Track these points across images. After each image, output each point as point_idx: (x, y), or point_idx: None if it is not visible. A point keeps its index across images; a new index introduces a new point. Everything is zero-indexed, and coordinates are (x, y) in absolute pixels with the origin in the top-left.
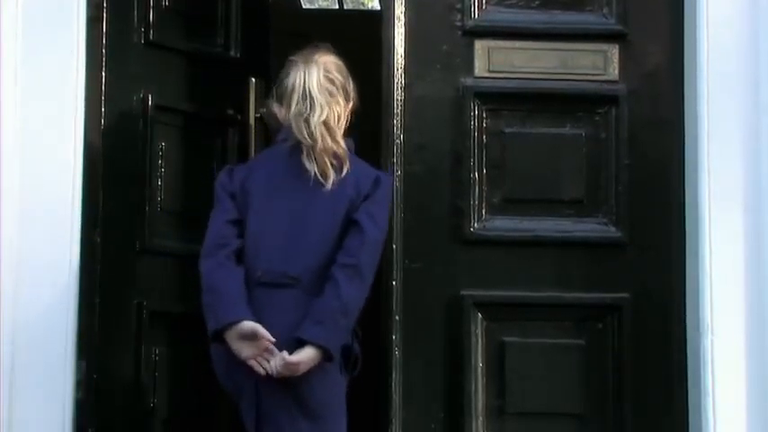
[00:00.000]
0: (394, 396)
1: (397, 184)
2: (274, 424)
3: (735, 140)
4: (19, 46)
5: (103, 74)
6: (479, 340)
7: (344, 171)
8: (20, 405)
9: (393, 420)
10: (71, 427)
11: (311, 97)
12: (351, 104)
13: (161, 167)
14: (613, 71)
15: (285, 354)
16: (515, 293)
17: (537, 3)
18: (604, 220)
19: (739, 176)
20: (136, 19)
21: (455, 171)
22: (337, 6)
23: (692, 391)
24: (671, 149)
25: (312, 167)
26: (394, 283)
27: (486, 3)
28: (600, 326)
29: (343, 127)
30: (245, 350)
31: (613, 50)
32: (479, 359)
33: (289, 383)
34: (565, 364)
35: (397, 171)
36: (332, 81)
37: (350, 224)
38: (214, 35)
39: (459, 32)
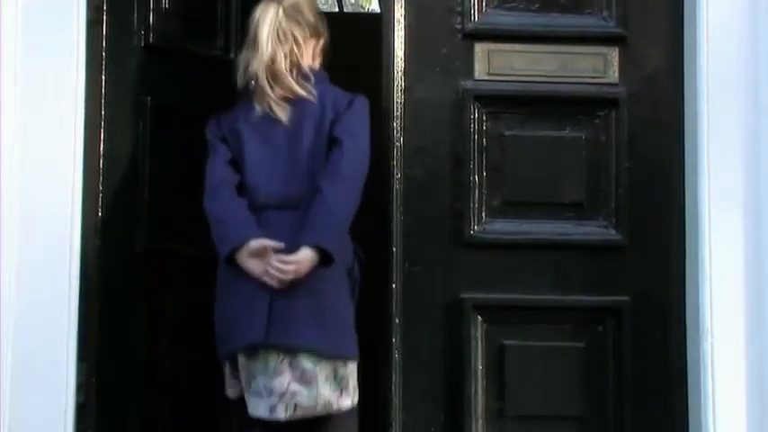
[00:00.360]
0: (394, 399)
1: (396, 186)
2: (284, 330)
3: (735, 142)
4: (19, 48)
5: (103, 76)
6: (479, 343)
7: (313, 96)
8: (21, 408)
9: (393, 423)
10: (72, 430)
11: (258, 43)
12: (321, 41)
13: (161, 170)
14: (613, 74)
15: (283, 255)
16: (515, 296)
17: (537, 6)
18: (604, 223)
19: (739, 178)
20: (135, 21)
21: (455, 174)
22: (337, 9)
23: (692, 394)
24: (671, 152)
25: (262, 108)
26: (394, 285)
27: (485, 5)
28: (600, 328)
29: (314, 61)
30: (257, 267)
31: (613, 53)
32: (479, 362)
33: (300, 293)
34: (565, 367)
35: (396, 174)
36: (296, 21)
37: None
38: (214, 37)
39: (459, 35)
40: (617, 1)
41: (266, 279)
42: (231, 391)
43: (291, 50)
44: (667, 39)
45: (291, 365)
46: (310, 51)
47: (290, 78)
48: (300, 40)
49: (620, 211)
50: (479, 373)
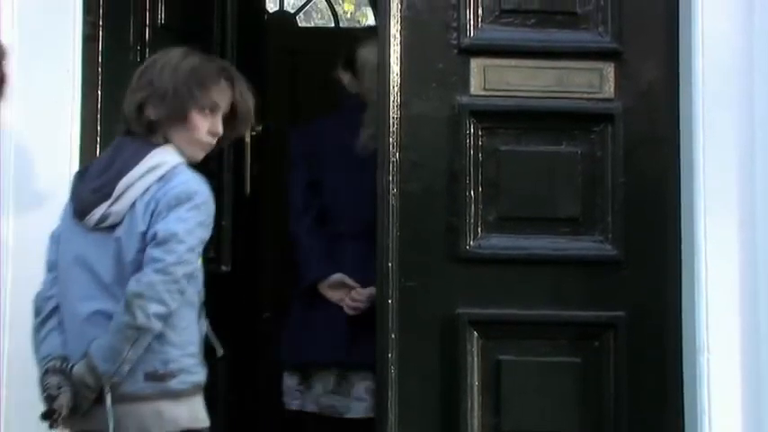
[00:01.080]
0: (390, 415)
1: (393, 202)
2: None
3: (730, 156)
4: (14, 64)
5: (99, 92)
6: (475, 358)
7: None
8: (16, 421)
9: None
10: None
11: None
12: None
13: None
14: (609, 89)
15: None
16: (511, 311)
17: (533, 21)
18: (600, 238)
19: (734, 193)
20: (131, 37)
21: (451, 189)
22: (333, 24)
23: (689, 409)
24: (666, 166)
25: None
26: (390, 301)
27: (481, 21)
28: (596, 344)
29: None
30: (336, 295)
31: (609, 68)
32: (475, 377)
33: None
34: (561, 383)
35: (393, 189)
36: None
37: None
38: (210, 53)
39: (455, 51)
40: (612, 16)
41: (344, 305)
42: (298, 403)
43: None
44: (662, 54)
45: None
46: None
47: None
48: None
49: (615, 226)
50: (475, 388)
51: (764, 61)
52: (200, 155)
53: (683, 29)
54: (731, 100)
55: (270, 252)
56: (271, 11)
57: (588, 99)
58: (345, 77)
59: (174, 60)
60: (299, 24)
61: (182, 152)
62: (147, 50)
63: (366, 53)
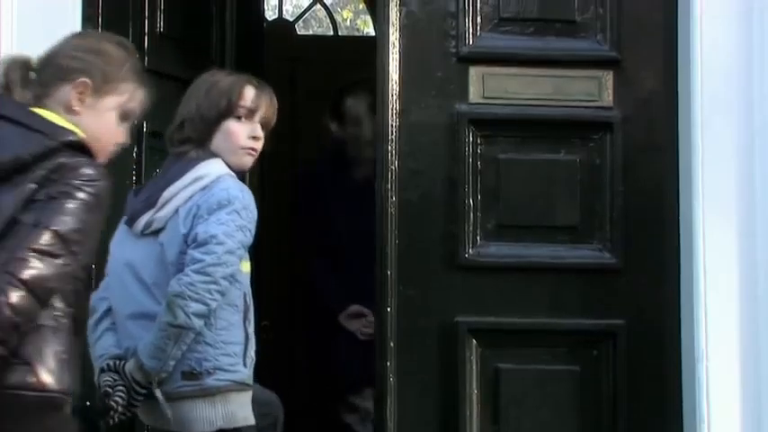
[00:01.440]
0: (389, 423)
1: (391, 210)
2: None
3: (729, 165)
4: None
5: None
6: (474, 367)
7: None
8: None
9: None
10: None
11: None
12: None
13: None
14: (607, 97)
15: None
16: (510, 320)
17: (531, 29)
18: (599, 246)
19: (733, 201)
20: None
21: (450, 197)
22: (332, 32)
23: (687, 417)
24: (665, 175)
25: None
26: (389, 309)
27: (480, 29)
28: (595, 352)
29: None
30: (354, 325)
31: (607, 76)
32: (474, 385)
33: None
34: (560, 391)
35: (391, 197)
36: None
37: None
38: (209, 62)
39: (454, 59)
40: (611, 24)
41: (358, 334)
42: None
43: None
44: (661, 62)
45: None
46: None
47: None
48: None
49: (614, 235)
50: (474, 396)
51: (763, 69)
52: (247, 161)
53: (682, 37)
54: (730, 107)
55: (269, 260)
56: (270, 19)
57: (587, 107)
58: (333, 126)
59: (199, 82)
60: (298, 32)
61: (228, 163)
62: (146, 58)
63: (352, 104)
